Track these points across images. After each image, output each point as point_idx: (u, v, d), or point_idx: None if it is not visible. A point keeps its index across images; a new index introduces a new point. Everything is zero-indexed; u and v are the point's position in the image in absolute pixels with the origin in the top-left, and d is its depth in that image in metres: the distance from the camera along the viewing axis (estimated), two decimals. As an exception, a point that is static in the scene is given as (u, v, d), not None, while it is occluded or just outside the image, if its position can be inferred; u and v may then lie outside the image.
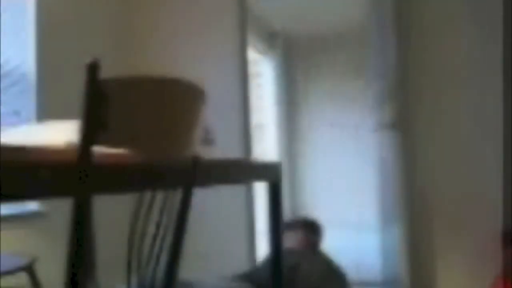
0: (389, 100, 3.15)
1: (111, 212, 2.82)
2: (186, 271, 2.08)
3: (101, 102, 0.80)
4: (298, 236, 2.55)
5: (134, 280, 0.96)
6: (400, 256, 3.09)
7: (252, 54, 4.65)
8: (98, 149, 0.81)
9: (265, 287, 2.20)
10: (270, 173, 1.83)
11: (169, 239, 1.05)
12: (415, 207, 3.05)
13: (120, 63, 3.49)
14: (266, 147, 6.69)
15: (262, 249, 3.03)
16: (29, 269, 2.19)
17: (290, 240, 2.54)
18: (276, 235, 1.87)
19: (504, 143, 2.96)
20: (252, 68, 4.01)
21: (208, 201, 3.25)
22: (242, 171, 1.66)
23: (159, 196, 0.96)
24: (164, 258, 1.05)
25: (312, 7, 5.73)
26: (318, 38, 6.74)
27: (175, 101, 0.97)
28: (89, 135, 0.79)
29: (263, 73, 6.89)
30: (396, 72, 3.15)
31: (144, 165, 0.92)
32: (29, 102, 2.99)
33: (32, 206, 2.87)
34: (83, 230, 0.78)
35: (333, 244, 4.00)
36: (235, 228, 3.32)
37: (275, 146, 6.84)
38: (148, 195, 0.95)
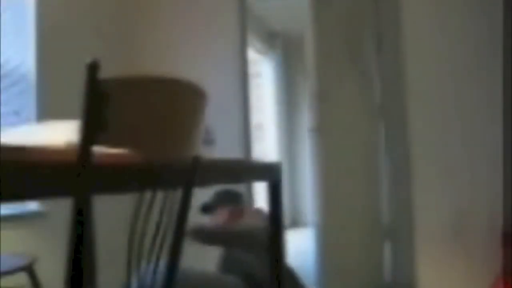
0: (315, 106, 3.23)
1: (111, 212, 2.82)
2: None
3: (101, 102, 0.80)
4: (229, 209, 2.54)
5: (134, 280, 0.96)
6: (403, 258, 3.10)
7: (252, 54, 4.65)
8: (98, 149, 0.81)
9: (242, 272, 2.27)
10: (270, 173, 1.83)
11: (169, 239, 1.05)
12: (415, 211, 3.06)
13: (120, 63, 3.49)
14: (266, 147, 6.70)
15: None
16: (29, 269, 2.19)
17: (222, 218, 2.54)
18: (276, 234, 1.87)
19: (504, 144, 2.96)
20: (252, 68, 4.02)
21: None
22: (242, 171, 1.66)
23: (159, 196, 0.96)
24: (164, 258, 1.05)
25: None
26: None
27: (175, 101, 0.97)
28: (89, 135, 0.79)
29: (263, 73, 6.90)
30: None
31: (144, 165, 0.92)
32: (29, 102, 2.99)
33: (32, 206, 2.87)
34: (83, 230, 0.78)
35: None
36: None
37: (275, 146, 6.85)
38: (148, 195, 0.95)
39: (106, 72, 0.81)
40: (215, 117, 3.17)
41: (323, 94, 3.19)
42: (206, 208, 2.58)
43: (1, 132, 1.10)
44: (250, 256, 2.31)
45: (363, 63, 3.22)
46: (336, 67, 3.24)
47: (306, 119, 7.36)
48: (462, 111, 3.06)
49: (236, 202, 2.57)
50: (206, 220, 2.57)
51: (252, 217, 2.44)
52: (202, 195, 2.36)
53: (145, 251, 0.95)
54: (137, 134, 0.89)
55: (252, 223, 2.37)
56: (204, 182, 1.32)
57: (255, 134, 3.82)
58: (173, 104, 0.96)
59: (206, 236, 2.28)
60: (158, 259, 1.01)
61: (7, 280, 2.06)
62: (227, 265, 2.41)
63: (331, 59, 3.24)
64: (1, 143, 0.72)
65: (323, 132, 3.21)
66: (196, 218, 2.72)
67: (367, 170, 3.22)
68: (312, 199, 3.34)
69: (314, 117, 3.26)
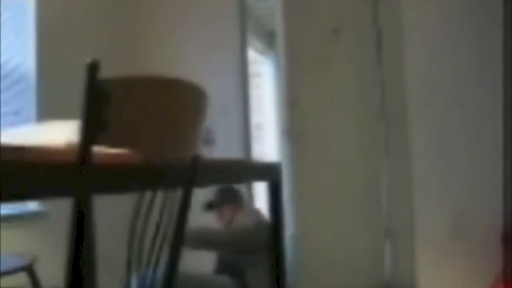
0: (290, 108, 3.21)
1: (111, 212, 2.82)
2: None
3: (101, 102, 0.80)
4: (232, 206, 2.60)
5: (134, 280, 0.96)
6: (403, 258, 3.10)
7: (252, 54, 4.65)
8: (98, 149, 0.81)
9: (237, 272, 2.33)
10: (270, 173, 1.83)
11: (169, 239, 1.05)
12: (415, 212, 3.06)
13: (120, 63, 3.49)
14: (266, 147, 6.69)
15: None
16: (29, 269, 2.19)
17: (228, 213, 2.59)
18: (277, 235, 1.87)
19: (504, 144, 2.96)
20: (252, 68, 4.02)
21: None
22: (242, 171, 1.66)
23: (159, 196, 0.96)
24: (164, 258, 1.04)
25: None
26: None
27: (175, 101, 0.97)
28: (89, 135, 0.79)
29: (263, 73, 6.89)
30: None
31: (144, 165, 0.92)
32: (29, 102, 2.99)
33: (32, 206, 2.87)
34: (83, 230, 0.78)
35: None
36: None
37: (275, 146, 6.84)
38: (148, 195, 0.95)
39: (106, 72, 0.81)
40: (215, 117, 3.17)
41: (294, 99, 3.18)
42: (210, 206, 2.63)
43: (1, 132, 1.10)
44: (242, 256, 2.35)
45: (362, 64, 3.21)
46: (312, 69, 3.23)
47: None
48: (462, 111, 3.05)
49: (236, 200, 2.62)
50: (208, 219, 2.60)
51: (246, 217, 2.47)
52: (204, 193, 2.42)
53: (145, 251, 0.95)
54: (137, 134, 0.89)
55: (244, 224, 2.40)
56: (204, 182, 1.32)
57: (255, 134, 3.82)
58: (173, 104, 0.96)
59: (196, 242, 2.33)
60: (158, 259, 1.01)
61: (7, 280, 2.06)
62: (221, 265, 2.45)
63: (304, 61, 3.23)
64: (1, 143, 0.72)
65: (309, 134, 3.20)
66: (195, 218, 2.75)
67: (366, 170, 3.21)
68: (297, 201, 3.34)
69: (287, 120, 3.24)
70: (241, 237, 2.35)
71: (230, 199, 2.61)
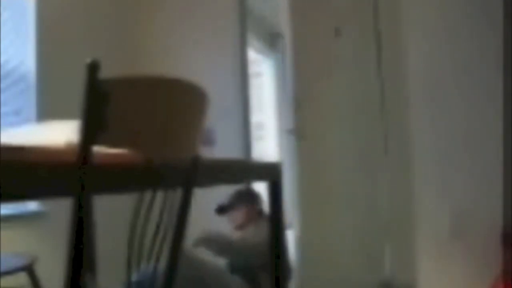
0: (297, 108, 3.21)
1: (111, 212, 2.82)
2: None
3: (101, 102, 0.80)
4: (246, 209, 2.61)
5: (134, 279, 0.96)
6: (403, 258, 3.10)
7: (252, 54, 4.65)
8: (98, 149, 0.81)
9: (245, 270, 2.38)
10: (270, 173, 1.83)
11: (169, 239, 1.05)
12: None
13: (120, 63, 3.49)
14: (268, 146, 6.69)
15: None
16: (29, 269, 2.19)
17: (241, 216, 2.61)
18: (277, 234, 1.87)
19: (504, 143, 2.96)
20: (252, 68, 4.02)
21: (208, 200, 3.25)
22: (242, 171, 1.66)
23: (159, 196, 0.96)
24: (164, 258, 1.05)
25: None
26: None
27: (175, 101, 0.97)
28: (89, 135, 0.79)
29: (263, 73, 6.89)
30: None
31: (144, 165, 0.92)
32: (29, 102, 2.99)
33: (32, 206, 2.87)
34: (83, 230, 0.78)
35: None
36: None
37: (276, 146, 6.84)
38: (148, 195, 0.95)
39: (106, 72, 0.81)
40: (215, 117, 3.16)
41: (299, 99, 3.18)
42: (222, 209, 2.63)
43: (1, 132, 1.10)
44: (255, 265, 2.36)
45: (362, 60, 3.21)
46: (317, 69, 3.23)
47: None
48: (462, 111, 3.06)
49: (253, 202, 2.62)
50: (220, 224, 2.61)
51: (261, 228, 2.46)
52: (218, 194, 2.45)
53: (145, 251, 0.95)
54: (137, 134, 0.89)
55: (262, 235, 2.39)
56: (204, 182, 1.32)
57: (256, 133, 3.83)
58: (173, 104, 0.96)
59: (216, 247, 2.36)
60: (158, 259, 1.01)
61: (7, 280, 2.06)
62: (233, 266, 2.45)
63: (310, 62, 3.23)
64: (1, 143, 0.72)
65: (309, 134, 3.21)
66: (209, 221, 2.76)
67: (367, 169, 3.21)
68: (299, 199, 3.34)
69: (292, 121, 3.24)
70: (256, 248, 2.36)
71: (244, 202, 2.61)
